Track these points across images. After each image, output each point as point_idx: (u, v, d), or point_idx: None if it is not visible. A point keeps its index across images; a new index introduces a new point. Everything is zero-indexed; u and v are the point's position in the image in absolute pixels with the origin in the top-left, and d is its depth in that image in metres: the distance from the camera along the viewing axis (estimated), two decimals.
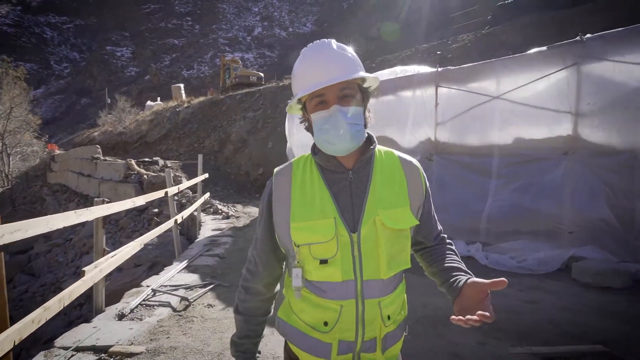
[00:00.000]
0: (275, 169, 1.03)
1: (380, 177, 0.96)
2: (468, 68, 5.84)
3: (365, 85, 0.97)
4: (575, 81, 4.59)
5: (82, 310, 7.78)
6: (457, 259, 1.04)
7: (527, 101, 5.04)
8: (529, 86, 4.98)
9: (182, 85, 31.14)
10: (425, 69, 6.58)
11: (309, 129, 0.99)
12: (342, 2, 72.93)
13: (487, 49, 11.69)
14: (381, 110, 7.08)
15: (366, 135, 0.98)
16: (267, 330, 1.17)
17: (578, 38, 4.53)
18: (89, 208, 2.51)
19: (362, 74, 0.92)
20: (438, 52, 13.74)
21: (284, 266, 1.09)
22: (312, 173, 0.97)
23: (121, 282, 7.04)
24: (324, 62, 0.91)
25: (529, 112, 5.09)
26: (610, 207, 4.27)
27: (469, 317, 0.80)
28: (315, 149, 1.00)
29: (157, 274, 4.59)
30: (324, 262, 0.90)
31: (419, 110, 6.30)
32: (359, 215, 0.91)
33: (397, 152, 1.04)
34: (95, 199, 3.04)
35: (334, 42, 0.95)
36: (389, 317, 0.95)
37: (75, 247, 11.46)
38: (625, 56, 4.23)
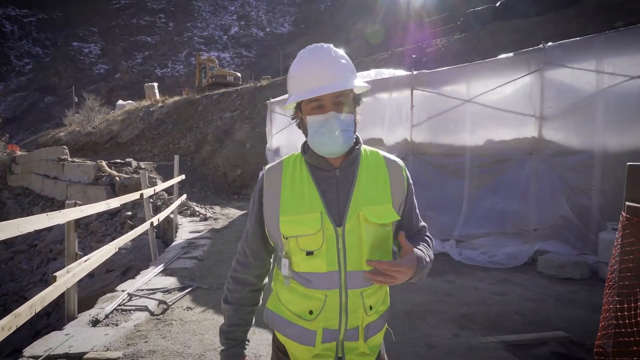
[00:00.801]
0: (267, 166, 1.08)
1: (366, 175, 1.03)
2: (441, 72, 6.08)
3: (357, 91, 1.04)
4: (539, 86, 4.90)
5: (50, 319, 7.38)
6: (424, 243, 1.07)
7: (496, 104, 5.32)
8: (498, 90, 5.26)
9: (155, 84, 30.17)
10: (400, 72, 6.77)
11: (301, 127, 1.05)
12: (320, 4, 73.27)
13: (460, 53, 12.17)
14: (360, 113, 7.21)
15: (355, 138, 1.04)
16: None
17: (541, 46, 4.84)
18: (61, 210, 2.42)
19: (357, 83, 0.98)
20: (413, 56, 14.15)
21: (272, 259, 1.13)
22: (301, 170, 1.03)
23: (92, 288, 6.76)
24: (323, 68, 0.96)
25: (497, 115, 5.37)
26: (570, 204, 4.59)
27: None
28: (305, 148, 1.06)
29: (132, 278, 4.46)
30: (309, 253, 0.96)
31: (395, 112, 6.47)
32: (344, 211, 0.98)
33: (382, 152, 1.11)
34: (67, 201, 2.93)
35: (332, 48, 1.00)
36: (371, 307, 1.01)
37: (41, 254, 10.83)
38: (582, 64, 4.56)
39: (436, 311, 3.22)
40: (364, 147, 1.09)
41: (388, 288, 1.10)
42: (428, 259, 1.01)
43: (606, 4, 10.78)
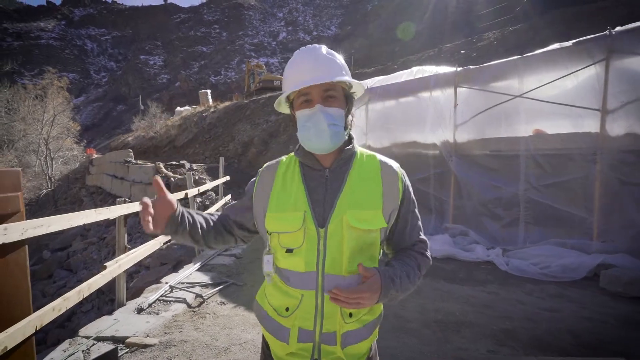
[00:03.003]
0: (266, 164, 1.12)
1: (357, 178, 1.00)
2: (488, 67, 5.67)
3: (351, 90, 1.02)
4: (604, 77, 4.34)
5: (115, 305, 8.23)
6: (406, 260, 1.02)
7: (553, 99, 4.82)
8: (555, 84, 4.77)
9: (209, 91, 32.19)
10: (444, 69, 6.44)
11: (295, 126, 1.04)
12: (367, 4, 72.62)
13: (515, 46, 11.24)
14: (400, 112, 7.01)
15: (346, 137, 1.02)
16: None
17: (607, 32, 4.28)
18: (108, 207, 2.68)
19: (346, 78, 0.97)
20: (462, 52, 13.38)
21: (228, 239, 1.12)
22: (294, 169, 1.04)
23: (148, 279, 7.40)
24: (311, 63, 0.97)
25: (555, 111, 4.86)
26: None
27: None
28: (298, 146, 1.07)
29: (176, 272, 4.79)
30: (289, 251, 0.96)
31: (437, 111, 6.17)
32: (329, 212, 0.96)
33: (379, 156, 1.06)
34: (117, 199, 3.24)
35: (324, 48, 1.01)
36: (350, 315, 0.96)
37: (108, 246, 12.15)
38: None
39: (473, 324, 2.99)
40: (360, 150, 1.06)
41: None
42: (400, 280, 0.94)
43: None
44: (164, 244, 4.28)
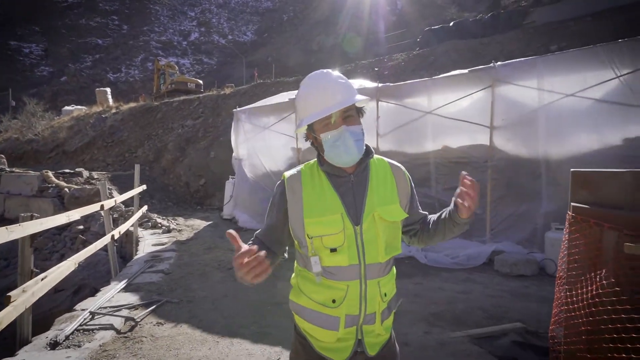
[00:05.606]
0: (287, 174, 1.21)
1: (376, 179, 1.19)
2: (405, 85, 6.45)
3: (359, 105, 1.19)
4: (490, 100, 5.39)
5: (15, 344, 6.57)
6: (437, 214, 1.29)
7: (454, 116, 5.74)
8: (456, 103, 5.70)
9: (108, 89, 28.38)
10: (367, 83, 7.07)
11: (315, 145, 1.18)
12: (283, 14, 73.90)
13: (418, 68, 12.93)
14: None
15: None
16: None
17: (492, 64, 5.34)
18: (20, 224, 2.23)
19: (359, 97, 1.13)
20: (376, 69, 14.77)
21: (285, 252, 1.25)
22: (320, 178, 1.18)
23: (39, 310, 6.15)
24: (329, 89, 1.10)
25: (456, 126, 5.79)
26: (521, 207, 5.06)
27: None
28: (320, 160, 1.19)
29: (90, 296, 4.15)
30: (333, 250, 1.10)
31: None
32: (361, 211, 1.12)
33: (386, 159, 1.28)
34: (22, 214, 2.70)
35: (331, 72, 1.15)
36: (385, 294, 1.16)
37: None
38: (526, 82, 5.11)
39: (408, 311, 3.38)
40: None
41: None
42: None
43: (542, 29, 12.14)
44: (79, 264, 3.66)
